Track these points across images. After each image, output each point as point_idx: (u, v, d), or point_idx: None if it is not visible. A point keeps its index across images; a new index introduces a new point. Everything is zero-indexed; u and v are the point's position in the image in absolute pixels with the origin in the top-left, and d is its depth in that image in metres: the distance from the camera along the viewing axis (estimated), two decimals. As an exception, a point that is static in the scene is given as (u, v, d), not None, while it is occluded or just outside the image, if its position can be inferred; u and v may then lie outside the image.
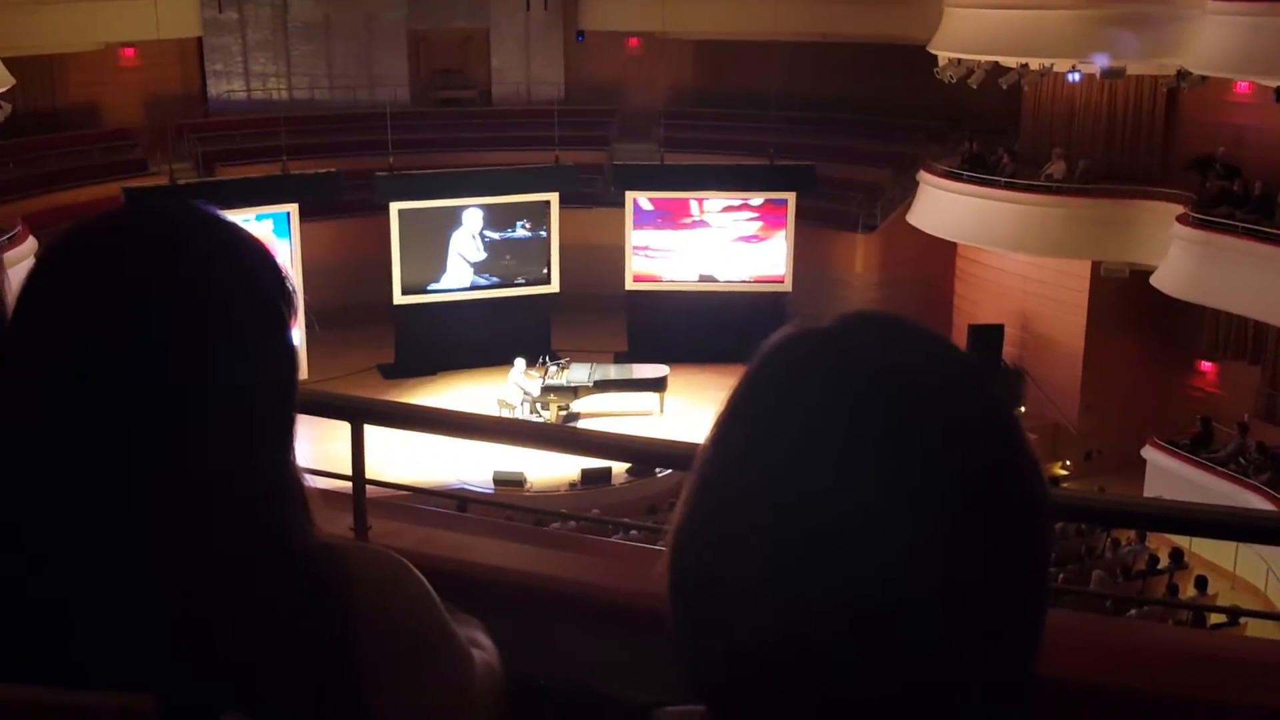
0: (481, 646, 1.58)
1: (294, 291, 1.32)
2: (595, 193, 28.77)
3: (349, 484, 3.39)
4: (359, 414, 3.31)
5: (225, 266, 1.26)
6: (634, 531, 12.96)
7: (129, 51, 29.29)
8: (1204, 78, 21.37)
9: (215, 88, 30.87)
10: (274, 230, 23.67)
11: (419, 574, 1.40)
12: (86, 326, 1.19)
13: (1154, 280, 20.99)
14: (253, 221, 22.28)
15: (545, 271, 26.79)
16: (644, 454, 4.66)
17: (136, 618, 1.18)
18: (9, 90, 22.67)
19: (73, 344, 1.19)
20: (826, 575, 0.85)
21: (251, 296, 1.27)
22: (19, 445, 1.20)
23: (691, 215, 26.93)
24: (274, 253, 1.34)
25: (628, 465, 20.19)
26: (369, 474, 3.40)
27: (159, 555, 1.19)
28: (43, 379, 1.20)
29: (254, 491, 1.25)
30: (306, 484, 1.34)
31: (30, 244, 19.67)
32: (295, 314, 1.31)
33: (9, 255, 17.91)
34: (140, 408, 1.18)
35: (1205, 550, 17.68)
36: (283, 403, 1.29)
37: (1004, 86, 24.06)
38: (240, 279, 1.27)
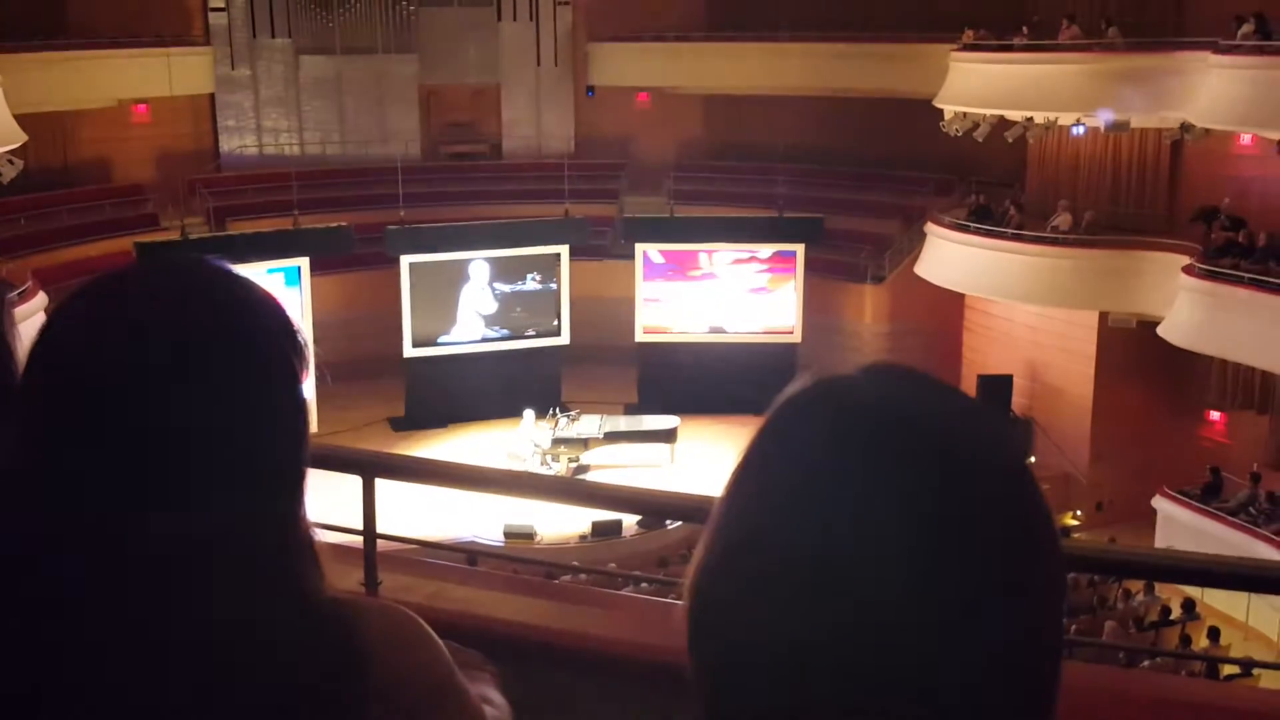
0: (493, 704, 1.58)
1: (305, 344, 1.32)
2: (605, 245, 28.85)
3: (356, 537, 3.39)
4: (370, 468, 3.32)
5: (234, 320, 1.26)
6: (644, 585, 12.90)
7: (141, 108, 29.53)
8: (1207, 130, 21.44)
9: (227, 143, 31.10)
10: (284, 284, 23.73)
11: (430, 631, 1.39)
12: (97, 379, 1.20)
13: (1161, 331, 20.96)
14: (264, 275, 22.37)
15: (555, 323, 26.82)
16: (656, 506, 4.67)
17: (143, 673, 1.18)
18: (21, 146, 22.81)
19: (83, 397, 1.20)
20: (846, 623, 0.86)
21: (261, 350, 1.27)
22: (27, 495, 1.21)
23: (701, 267, 27.00)
24: (285, 306, 1.34)
25: (638, 517, 20.11)
26: (378, 527, 3.40)
27: (165, 609, 1.19)
28: (52, 432, 1.21)
29: (264, 545, 1.24)
30: (317, 538, 1.33)
31: (41, 299, 19.69)
32: (306, 367, 1.31)
33: (19, 310, 17.90)
34: (149, 460, 1.18)
35: (1217, 601, 17.54)
36: (294, 455, 1.29)
37: (1009, 139, 24.17)
38: (250, 332, 1.27)
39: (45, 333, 1.25)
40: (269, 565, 1.24)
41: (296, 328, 1.32)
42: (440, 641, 1.40)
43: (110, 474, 1.18)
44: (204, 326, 1.24)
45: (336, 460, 3.23)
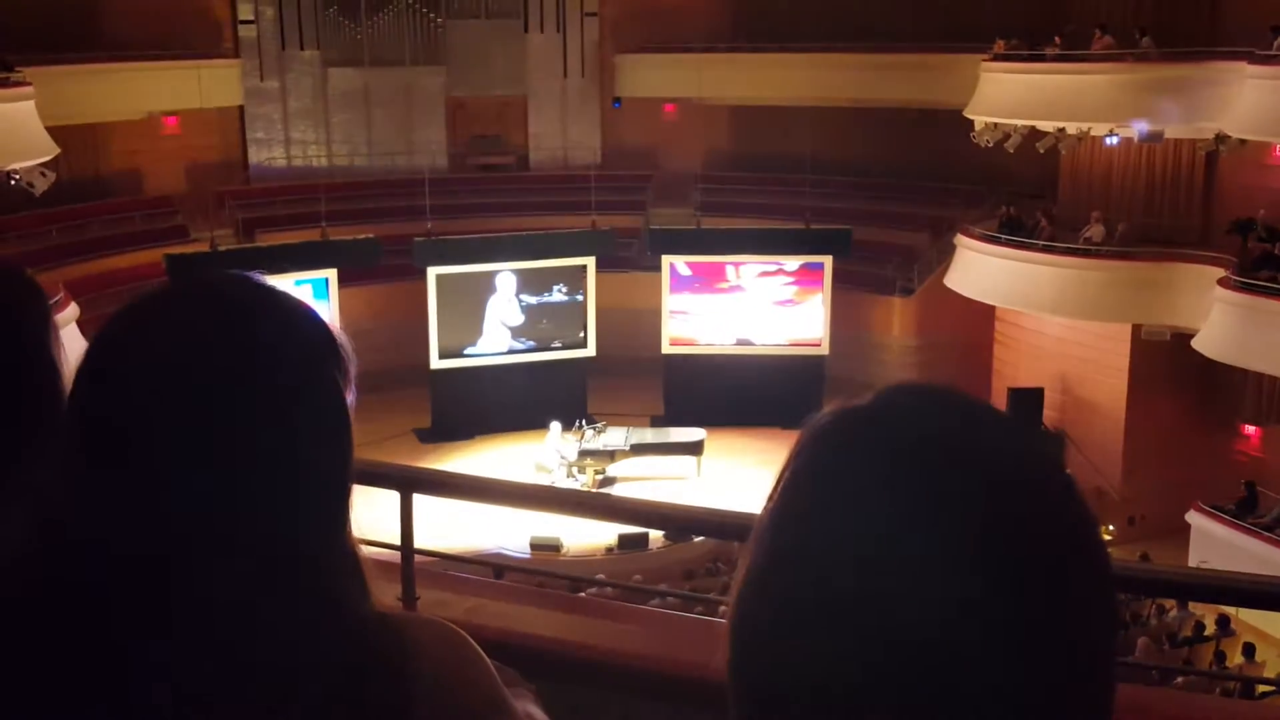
0: (537, 721, 1.57)
1: (349, 360, 1.32)
2: (632, 257, 28.89)
3: (384, 550, 3.37)
4: (409, 484, 3.30)
5: (279, 337, 1.26)
6: (670, 598, 12.86)
7: (171, 120, 29.77)
8: (1243, 141, 21.32)
9: (256, 155, 31.33)
10: (313, 295, 23.85)
11: (477, 647, 1.39)
12: (145, 398, 1.19)
13: (1195, 343, 20.82)
14: (292, 287, 22.42)
15: (582, 335, 26.85)
16: (685, 522, 4.63)
17: (194, 691, 1.17)
18: (53, 158, 23.02)
19: (132, 416, 1.19)
20: (891, 643, 0.85)
21: (307, 365, 1.26)
22: (73, 513, 1.20)
23: (728, 280, 26.96)
24: (329, 321, 1.34)
25: (665, 530, 20.09)
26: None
27: (213, 628, 1.18)
28: (101, 451, 1.20)
29: (311, 562, 1.24)
30: (362, 554, 1.33)
31: (73, 310, 19.81)
32: (350, 382, 1.31)
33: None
34: (200, 480, 1.18)
35: (1252, 617, 17.37)
36: (340, 471, 1.29)
37: (1041, 150, 24.08)
38: (295, 349, 1.27)
39: (92, 353, 1.25)
40: (318, 580, 1.25)
41: (340, 342, 1.32)
42: (486, 658, 1.40)
43: (159, 492, 1.18)
44: (249, 344, 1.24)
45: (375, 476, 3.20)
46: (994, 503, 0.88)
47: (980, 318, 26.29)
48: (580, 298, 26.76)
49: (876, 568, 0.86)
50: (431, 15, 31.66)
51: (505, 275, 26.24)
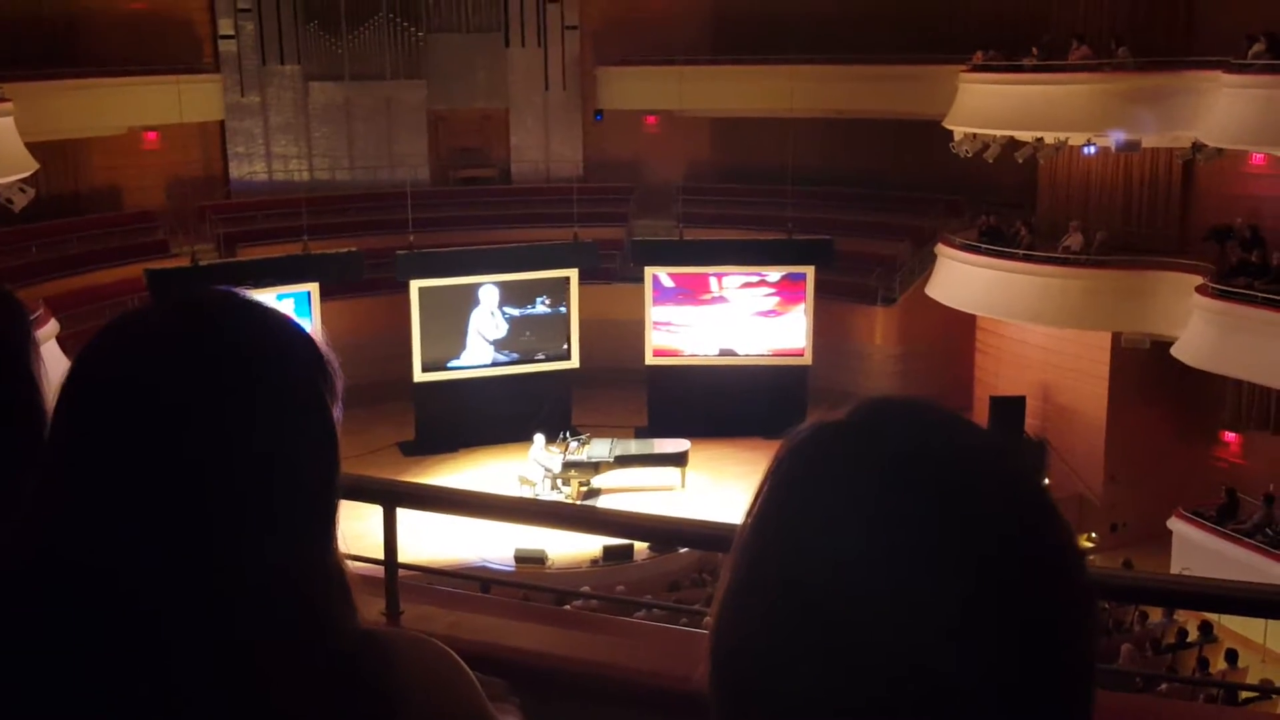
0: (521, 738, 1.56)
1: (335, 374, 1.31)
2: (614, 268, 28.91)
3: (367, 564, 3.36)
4: (392, 497, 3.30)
5: (265, 354, 1.25)
6: (655, 610, 12.86)
7: (151, 135, 29.70)
8: (1219, 150, 21.42)
9: (237, 170, 31.25)
10: (295, 310, 23.75)
11: (463, 664, 1.39)
12: (130, 417, 1.19)
13: (1175, 351, 20.91)
14: (274, 301, 22.28)
15: (565, 347, 26.83)
16: (671, 534, 4.64)
17: (180, 705, 1.16)
18: (33, 174, 22.93)
19: (117, 434, 1.18)
20: (867, 655, 0.86)
21: (291, 382, 1.26)
22: (61, 534, 1.19)
23: (711, 291, 26.98)
24: (313, 334, 1.33)
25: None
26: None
27: (199, 646, 1.17)
28: (85, 470, 1.19)
29: (298, 577, 1.23)
30: (348, 569, 1.32)
31: (53, 326, 19.69)
32: (336, 396, 1.30)
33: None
34: (184, 495, 1.17)
35: (1235, 624, 17.42)
36: (325, 486, 1.28)
37: (1019, 160, 24.18)
38: (281, 364, 1.26)
39: (76, 370, 1.24)
40: (304, 596, 1.23)
41: (327, 357, 1.31)
42: (473, 675, 1.39)
43: (143, 510, 1.17)
44: (235, 361, 1.23)
45: (358, 489, 3.20)
46: (972, 515, 0.89)
47: (962, 326, 26.38)
48: (563, 310, 26.75)
49: (855, 579, 0.87)
50: (412, 29, 31.65)
51: (488, 288, 26.22)
